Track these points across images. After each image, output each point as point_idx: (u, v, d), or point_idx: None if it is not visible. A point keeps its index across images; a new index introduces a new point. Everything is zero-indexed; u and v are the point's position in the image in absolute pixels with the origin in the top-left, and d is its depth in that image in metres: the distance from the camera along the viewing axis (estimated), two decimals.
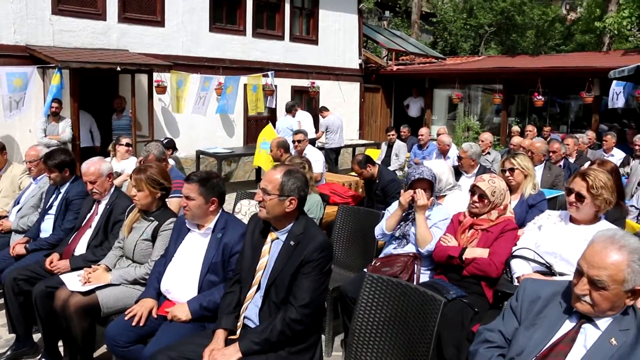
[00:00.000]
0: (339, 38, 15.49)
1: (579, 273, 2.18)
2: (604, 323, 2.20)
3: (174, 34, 11.81)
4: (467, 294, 3.61)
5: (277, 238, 3.05)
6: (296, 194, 2.95)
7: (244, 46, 13.19)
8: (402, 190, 4.20)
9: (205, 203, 3.46)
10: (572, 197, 3.40)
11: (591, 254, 2.17)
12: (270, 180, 2.96)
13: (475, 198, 3.80)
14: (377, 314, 3.00)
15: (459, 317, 3.44)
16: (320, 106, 13.66)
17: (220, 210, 3.58)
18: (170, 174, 5.72)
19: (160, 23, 11.54)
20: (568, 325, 2.24)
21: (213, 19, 12.50)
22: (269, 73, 13.16)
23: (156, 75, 10.73)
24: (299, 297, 2.87)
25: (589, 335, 2.19)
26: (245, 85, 12.88)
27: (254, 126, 13.74)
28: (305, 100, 14.67)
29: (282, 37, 14.04)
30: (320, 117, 13.13)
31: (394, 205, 4.42)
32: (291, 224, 3.03)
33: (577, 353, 2.17)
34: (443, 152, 8.62)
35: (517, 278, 3.43)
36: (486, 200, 3.74)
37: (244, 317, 3.07)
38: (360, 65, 16.24)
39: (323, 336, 4.50)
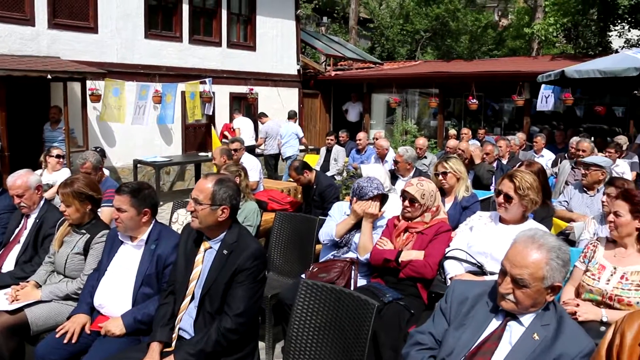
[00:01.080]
0: (276, 44, 15.49)
1: (503, 273, 2.26)
2: (527, 319, 2.28)
3: (108, 40, 11.54)
4: (403, 296, 3.66)
5: (211, 247, 3.03)
6: (228, 203, 2.94)
7: (180, 53, 13.02)
8: (353, 199, 4.19)
9: (138, 214, 3.40)
10: (501, 198, 3.52)
11: (513, 254, 2.25)
12: (202, 190, 2.94)
13: (407, 203, 3.87)
14: (313, 319, 3.02)
15: (396, 319, 3.50)
16: (259, 112, 13.63)
17: (153, 221, 3.52)
18: (105, 184, 5.66)
19: (93, 29, 11.25)
20: (495, 323, 2.32)
21: (148, 25, 12.27)
22: (207, 80, 13.02)
23: (90, 84, 10.45)
24: (233, 306, 2.86)
25: (514, 331, 2.27)
26: (182, 92, 12.70)
27: (192, 134, 13.58)
28: (244, 106, 14.60)
29: (219, 44, 13.93)
30: (259, 123, 13.11)
31: (335, 208, 4.45)
32: (224, 233, 3.01)
33: (503, 350, 2.24)
34: (381, 156, 8.73)
35: (450, 279, 3.51)
36: (417, 204, 3.80)
37: (179, 329, 3.03)
38: (299, 71, 16.29)
39: (263, 344, 4.52)
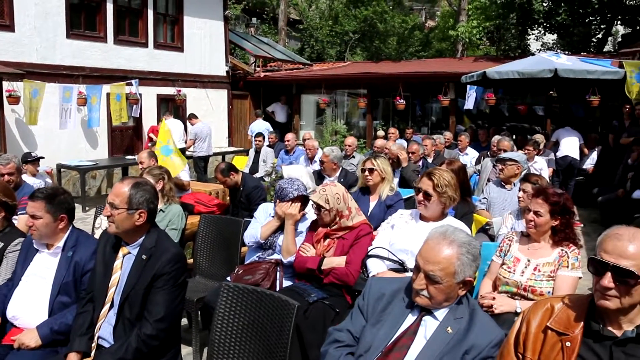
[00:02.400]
0: (205, 45, 15.30)
1: (417, 269, 2.31)
2: (441, 314, 2.34)
3: (27, 39, 11.07)
4: (328, 295, 3.68)
5: (129, 252, 2.96)
6: (145, 207, 2.88)
7: (105, 53, 12.67)
8: (277, 201, 4.19)
9: (54, 221, 3.28)
10: (420, 196, 3.61)
11: (426, 250, 2.31)
12: (118, 194, 2.87)
13: (316, 211, 3.89)
14: (236, 322, 2.99)
15: (321, 319, 3.51)
16: (189, 113, 13.42)
17: (70, 227, 3.41)
18: (22, 190, 5.43)
19: (10, 27, 10.77)
20: (410, 319, 2.37)
21: (70, 24, 11.86)
22: (133, 81, 12.73)
23: (7, 85, 10.00)
24: (153, 312, 2.81)
25: (428, 326, 2.33)
26: (108, 94, 12.35)
27: (119, 137, 13.24)
28: (172, 108, 14.33)
29: (145, 44, 13.64)
30: (189, 124, 12.92)
31: (260, 210, 4.43)
32: (142, 238, 2.95)
33: (418, 344, 2.29)
34: (311, 157, 8.77)
35: (372, 276, 3.56)
36: (323, 210, 3.82)
37: (98, 337, 2.95)
38: (228, 72, 16.15)
39: (190, 348, 4.46)
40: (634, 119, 9.70)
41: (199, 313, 4.42)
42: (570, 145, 10.49)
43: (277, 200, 4.15)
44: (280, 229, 4.15)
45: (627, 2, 18.52)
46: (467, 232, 3.20)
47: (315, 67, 19.08)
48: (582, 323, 2.09)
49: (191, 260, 5.09)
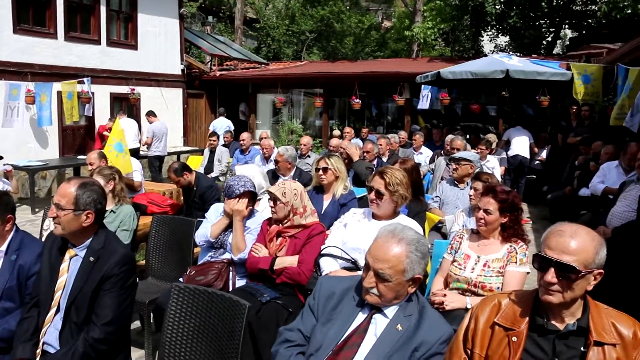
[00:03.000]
0: (159, 43, 15.07)
1: (367, 267, 2.32)
2: (391, 311, 2.36)
3: None
4: (281, 295, 3.67)
5: (76, 255, 2.89)
6: (93, 207, 2.82)
7: (55, 50, 12.33)
8: (225, 199, 4.16)
9: (1, 223, 3.19)
10: (373, 195, 3.63)
11: (375, 249, 2.32)
12: (64, 195, 2.79)
13: (271, 203, 3.89)
14: (187, 323, 2.95)
15: (274, 319, 3.50)
16: (147, 111, 13.11)
17: (14, 230, 3.30)
18: None
19: None
20: (361, 317, 2.37)
21: (17, 19, 11.48)
22: (85, 79, 12.41)
23: None
24: (101, 315, 2.74)
25: (379, 324, 2.34)
26: (59, 92, 12.04)
27: (70, 136, 12.92)
28: (126, 107, 14.06)
29: (98, 42, 13.34)
30: (147, 122, 12.69)
31: (212, 210, 4.39)
32: (90, 239, 2.88)
33: (369, 342, 2.30)
34: (267, 156, 8.73)
35: (323, 276, 3.56)
36: (279, 203, 3.82)
37: (44, 343, 2.86)
38: (183, 70, 15.95)
39: (143, 351, 4.38)
40: (580, 119, 9.98)
41: (152, 315, 4.34)
42: (520, 144, 10.73)
43: (226, 198, 4.12)
44: (230, 226, 4.12)
45: (574, 7, 19.11)
46: (417, 230, 3.24)
47: (271, 67, 19.02)
48: (527, 318, 2.15)
49: (143, 262, 5.01)
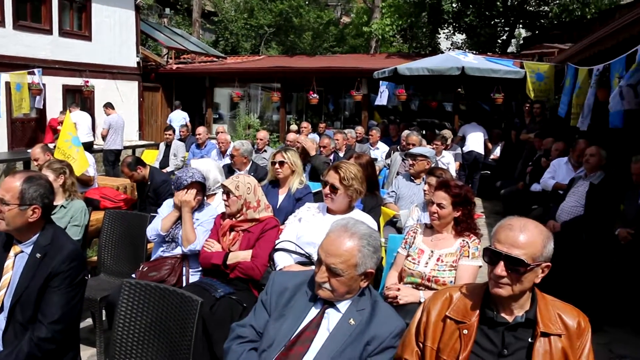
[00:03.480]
0: (114, 34, 14.78)
1: (319, 262, 2.31)
2: (344, 306, 2.35)
3: None
4: (235, 290, 3.63)
5: (22, 251, 2.79)
6: (39, 202, 2.73)
7: (3, 39, 11.98)
8: (175, 192, 4.11)
9: None
10: (327, 189, 3.63)
11: (327, 243, 2.32)
12: (8, 189, 2.69)
13: (224, 197, 3.85)
14: (138, 321, 2.88)
15: (229, 314, 3.47)
16: (105, 102, 12.75)
17: None
18: None
19: None
20: (313, 312, 2.36)
21: None
22: (36, 70, 12.02)
23: None
24: (48, 314, 2.66)
25: (331, 318, 2.33)
26: (7, 83, 11.65)
27: (20, 129, 12.57)
28: (79, 100, 13.73)
29: (49, 31, 13.00)
30: (104, 114, 12.40)
31: (164, 206, 4.32)
32: (37, 235, 2.79)
33: (321, 336, 2.29)
34: (223, 151, 8.65)
35: (275, 271, 3.55)
36: (232, 196, 3.78)
37: None
38: (139, 63, 15.69)
39: (94, 349, 4.29)
40: (533, 116, 10.21)
41: (104, 312, 4.25)
42: (475, 140, 10.92)
43: (175, 191, 4.08)
44: (181, 219, 4.07)
45: (528, 8, 19.55)
46: (370, 224, 3.26)
47: (229, 60, 18.86)
48: (478, 311, 2.18)
49: (95, 258, 4.91)
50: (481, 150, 10.93)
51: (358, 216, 3.60)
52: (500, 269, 2.06)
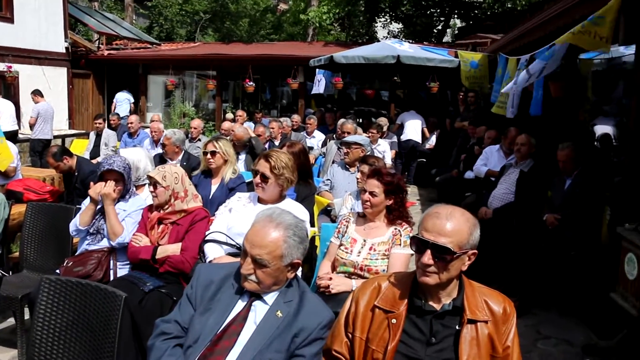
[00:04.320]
0: (40, 17, 14.09)
1: (245, 253, 2.25)
2: (271, 298, 2.30)
3: None
4: (165, 283, 3.54)
5: None
6: None
7: None
8: (91, 183, 3.94)
9: None
10: (258, 178, 3.57)
11: (252, 234, 2.26)
12: None
13: (151, 188, 3.73)
14: (59, 319, 2.74)
15: (158, 308, 3.38)
16: (33, 89, 12.15)
17: None
18: None
19: None
20: (240, 305, 2.30)
21: None
22: None
23: None
24: None
25: (258, 311, 2.28)
26: None
27: None
28: (2, 86, 13.06)
29: None
30: (33, 101, 11.83)
31: (88, 199, 4.15)
32: None
33: (248, 330, 2.23)
34: (157, 140, 8.43)
35: (210, 262, 3.47)
36: (160, 187, 3.67)
37: None
38: (67, 48, 15.04)
39: (17, 351, 4.09)
40: (467, 104, 10.41)
41: (27, 311, 4.05)
42: (413, 128, 11.06)
43: (92, 183, 3.92)
44: (100, 212, 3.91)
45: None
46: (300, 213, 3.21)
47: (163, 47, 18.40)
48: (406, 300, 2.17)
49: (17, 253, 4.67)
50: (418, 139, 11.07)
51: (288, 206, 3.56)
52: (427, 258, 2.05)
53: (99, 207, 3.94)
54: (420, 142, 11.21)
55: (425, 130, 11.48)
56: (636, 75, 4.96)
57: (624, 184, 5.15)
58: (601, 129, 8.42)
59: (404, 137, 10.94)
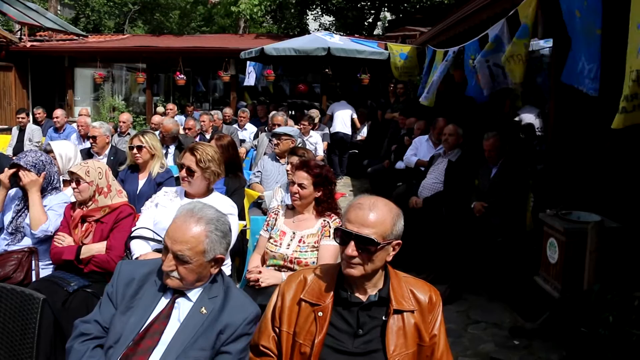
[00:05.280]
0: None
1: (166, 250, 2.19)
2: (195, 294, 2.25)
3: None
4: (90, 282, 3.43)
5: None
6: None
7: None
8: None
9: None
10: (184, 172, 3.50)
11: (173, 230, 2.20)
12: None
13: (74, 184, 3.60)
14: None
15: (84, 308, 3.25)
16: None
17: None
18: None
19: None
20: (163, 302, 2.24)
21: None
22: None
23: None
24: None
25: (182, 308, 2.23)
26: None
27: None
28: None
29: None
30: None
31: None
32: None
33: (172, 328, 2.18)
34: (83, 135, 8.15)
35: (136, 259, 3.37)
36: (83, 183, 3.55)
37: None
38: None
39: None
40: (397, 96, 10.55)
41: None
42: (342, 119, 11.06)
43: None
44: (25, 209, 3.76)
45: None
46: (227, 207, 3.16)
47: (91, 39, 17.73)
48: (332, 292, 2.16)
49: None
50: (348, 130, 11.09)
51: (216, 199, 3.51)
52: (351, 249, 2.05)
53: (19, 207, 3.78)
54: (350, 133, 11.23)
55: (356, 119, 11.47)
56: (554, 69, 5.15)
57: (546, 171, 5.35)
58: (525, 118, 8.69)
59: (332, 130, 10.93)
